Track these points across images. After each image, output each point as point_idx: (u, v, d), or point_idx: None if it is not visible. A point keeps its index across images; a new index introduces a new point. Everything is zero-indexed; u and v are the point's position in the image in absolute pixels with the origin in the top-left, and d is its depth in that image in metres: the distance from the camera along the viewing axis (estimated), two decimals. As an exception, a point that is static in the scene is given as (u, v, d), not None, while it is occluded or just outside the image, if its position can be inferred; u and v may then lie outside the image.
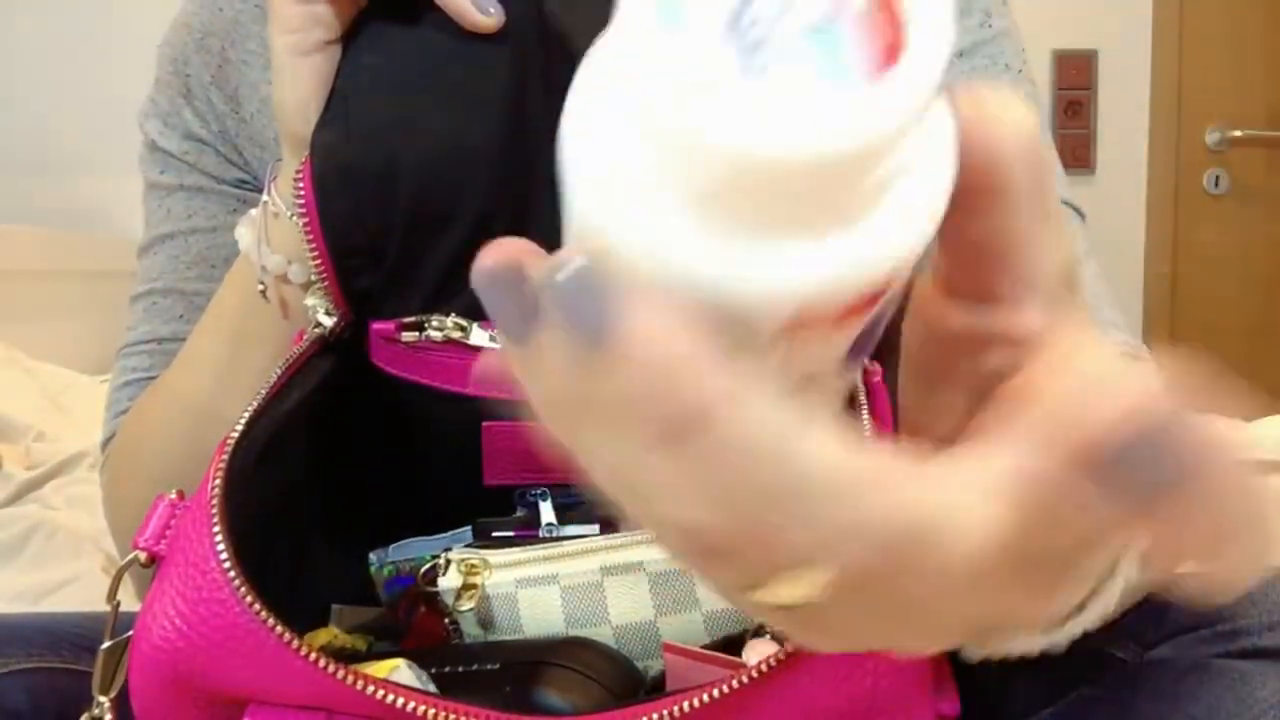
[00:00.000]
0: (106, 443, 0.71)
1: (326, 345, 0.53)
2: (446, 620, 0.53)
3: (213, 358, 0.60)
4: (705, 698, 0.39)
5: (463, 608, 0.52)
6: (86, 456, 1.44)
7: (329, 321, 0.52)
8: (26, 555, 1.21)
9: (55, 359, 1.91)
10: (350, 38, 0.52)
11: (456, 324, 0.51)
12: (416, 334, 0.52)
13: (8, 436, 1.52)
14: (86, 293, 2.08)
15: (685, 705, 0.39)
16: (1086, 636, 0.53)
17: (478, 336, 0.51)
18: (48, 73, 2.37)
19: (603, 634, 0.51)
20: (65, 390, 1.79)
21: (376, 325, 0.53)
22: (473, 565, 0.52)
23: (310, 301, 0.53)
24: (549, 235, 0.55)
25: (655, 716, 0.39)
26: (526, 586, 0.52)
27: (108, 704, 0.44)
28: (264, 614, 0.40)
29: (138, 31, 2.21)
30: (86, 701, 0.44)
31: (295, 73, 0.52)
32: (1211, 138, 2.62)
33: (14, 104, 2.35)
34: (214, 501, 0.42)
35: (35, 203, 2.29)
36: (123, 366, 0.71)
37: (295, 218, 0.52)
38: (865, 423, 0.47)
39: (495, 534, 0.56)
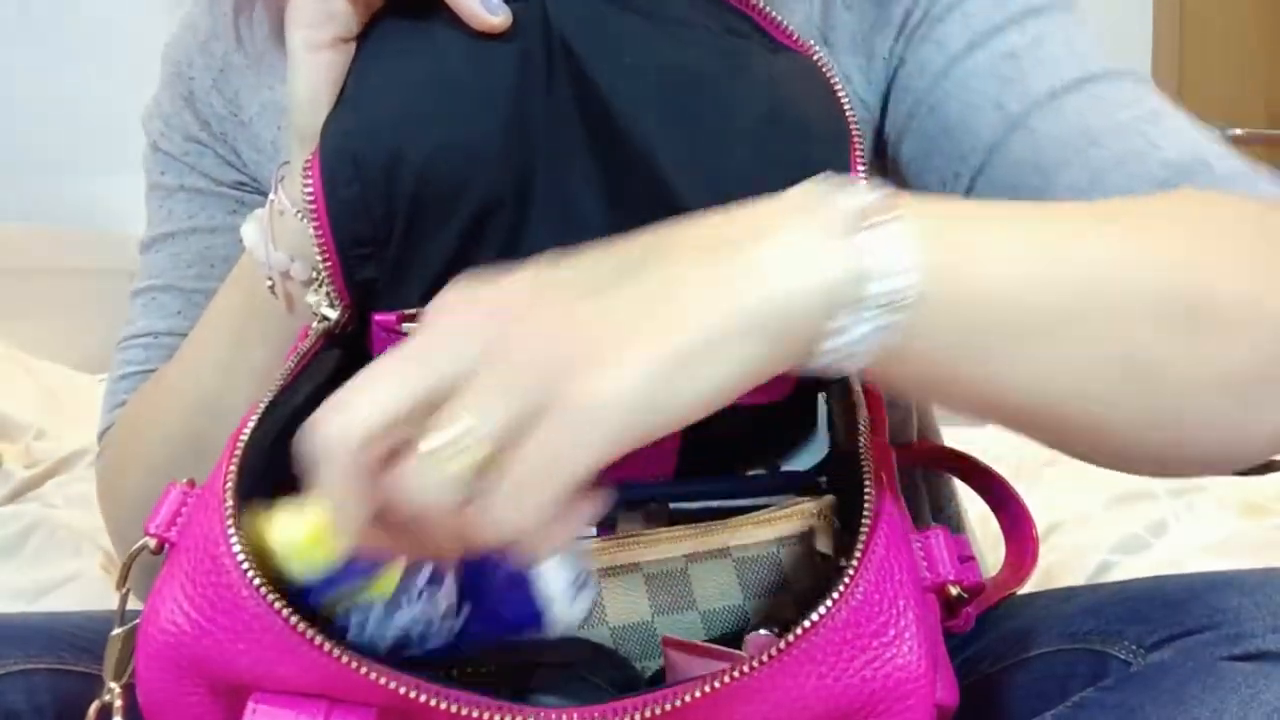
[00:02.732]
0: (104, 434, 0.72)
1: (333, 340, 0.54)
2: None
3: (214, 353, 0.61)
4: (705, 689, 0.39)
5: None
6: (86, 455, 1.44)
7: (333, 314, 0.53)
8: (26, 553, 1.21)
9: (55, 357, 1.91)
10: (362, 36, 0.53)
11: None
12: (417, 325, 0.52)
13: (7, 435, 1.52)
14: (86, 291, 2.08)
15: (686, 697, 0.39)
16: (1089, 638, 0.52)
17: None
18: (46, 71, 2.37)
19: (600, 635, 0.51)
20: (65, 388, 1.79)
21: (378, 317, 0.53)
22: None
23: (311, 299, 0.54)
24: (547, 227, 0.56)
25: (657, 708, 0.39)
26: (525, 588, 0.52)
27: (118, 690, 0.44)
28: (271, 597, 0.40)
29: (136, 31, 2.21)
30: (85, 703, 0.44)
31: (310, 67, 0.53)
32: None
33: (12, 102, 2.35)
34: (228, 488, 0.43)
35: (34, 201, 2.29)
36: (120, 360, 0.73)
37: (301, 215, 0.54)
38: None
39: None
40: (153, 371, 0.70)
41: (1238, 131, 2.59)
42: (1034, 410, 0.42)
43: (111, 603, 0.46)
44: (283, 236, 0.56)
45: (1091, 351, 0.41)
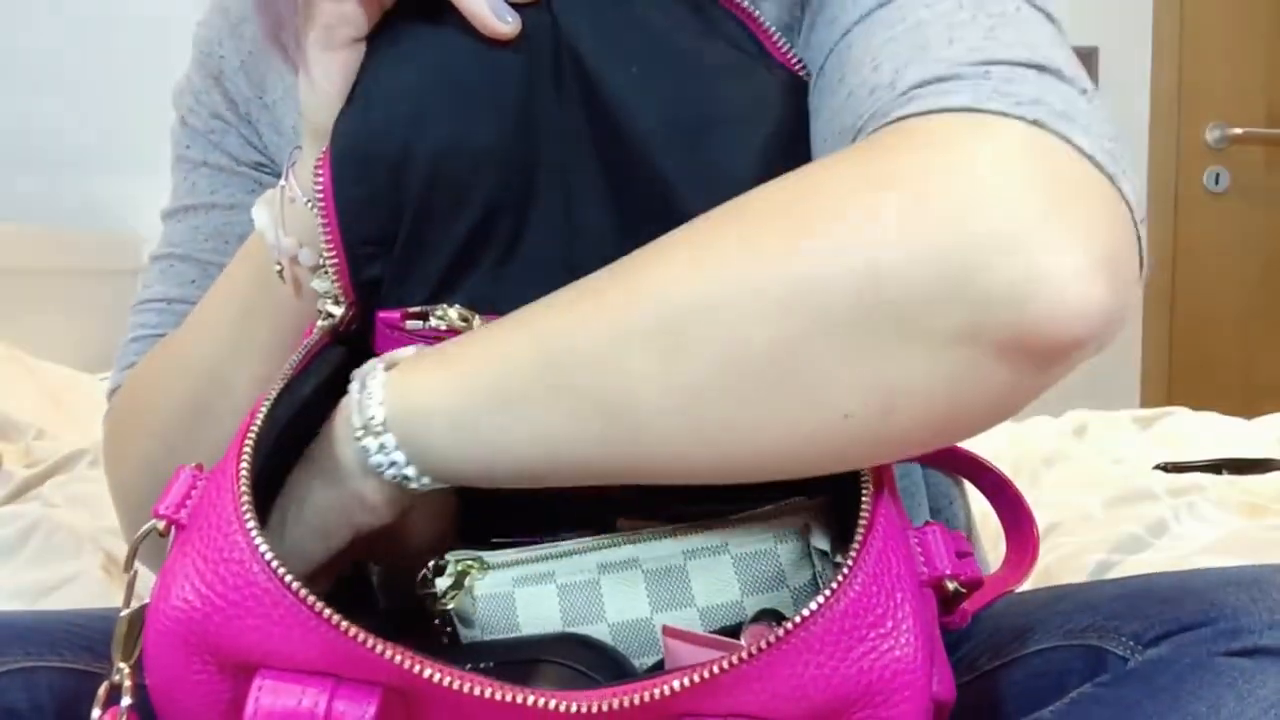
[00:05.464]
0: (112, 393, 0.74)
1: (338, 338, 0.54)
2: (438, 621, 0.53)
3: (221, 326, 0.63)
4: (701, 675, 0.40)
5: (460, 606, 0.52)
6: (87, 454, 1.44)
7: (338, 311, 0.54)
8: (26, 553, 1.21)
9: (56, 357, 1.91)
10: (374, 37, 0.54)
11: (461, 315, 0.52)
12: (420, 323, 0.52)
13: (8, 435, 1.52)
14: (87, 291, 2.09)
15: (685, 680, 0.40)
16: (1086, 634, 0.53)
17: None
18: (50, 72, 2.37)
19: (599, 631, 0.51)
20: (65, 388, 1.79)
21: (382, 314, 0.54)
22: (469, 565, 0.52)
23: (318, 285, 0.55)
24: (551, 229, 0.56)
25: (655, 692, 0.40)
26: (523, 585, 0.52)
27: (127, 670, 0.45)
28: (282, 570, 0.42)
29: (141, 31, 2.21)
30: (86, 701, 0.45)
31: (322, 67, 0.54)
32: (1212, 135, 2.62)
33: (15, 102, 2.35)
34: (242, 471, 0.44)
35: (36, 201, 2.30)
36: (135, 322, 0.75)
37: (311, 204, 0.55)
38: None
39: (494, 539, 0.56)
40: (164, 335, 0.72)
41: (1238, 130, 2.59)
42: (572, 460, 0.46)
43: (112, 603, 0.47)
44: (292, 222, 0.57)
45: (552, 411, 0.44)
